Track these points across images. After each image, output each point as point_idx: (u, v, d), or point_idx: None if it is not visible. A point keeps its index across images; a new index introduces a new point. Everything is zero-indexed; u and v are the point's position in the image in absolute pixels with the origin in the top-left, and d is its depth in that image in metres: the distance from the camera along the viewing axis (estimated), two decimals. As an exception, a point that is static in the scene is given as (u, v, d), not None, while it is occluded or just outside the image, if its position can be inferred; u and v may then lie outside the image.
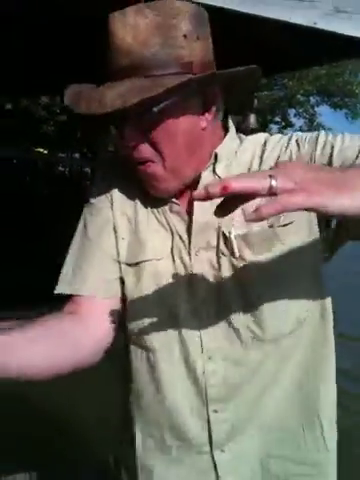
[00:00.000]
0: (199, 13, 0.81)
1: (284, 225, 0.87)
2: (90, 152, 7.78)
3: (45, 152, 9.31)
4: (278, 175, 0.58)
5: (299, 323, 0.92)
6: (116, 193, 0.95)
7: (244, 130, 2.79)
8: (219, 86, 0.85)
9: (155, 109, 0.78)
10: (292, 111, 10.02)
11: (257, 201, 0.64)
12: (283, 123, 10.10)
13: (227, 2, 2.25)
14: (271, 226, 0.87)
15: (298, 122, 12.45)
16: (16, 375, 0.80)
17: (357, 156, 0.81)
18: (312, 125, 10.31)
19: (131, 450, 1.00)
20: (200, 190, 0.59)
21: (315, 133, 0.90)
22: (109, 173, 0.98)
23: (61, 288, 0.94)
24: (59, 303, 0.93)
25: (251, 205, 0.82)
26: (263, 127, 9.75)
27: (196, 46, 0.80)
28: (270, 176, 0.58)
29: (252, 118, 2.76)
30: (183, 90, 0.77)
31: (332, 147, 0.84)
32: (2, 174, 8.91)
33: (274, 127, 10.48)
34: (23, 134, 9.37)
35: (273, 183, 0.58)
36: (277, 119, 9.96)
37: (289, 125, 10.25)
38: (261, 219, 0.57)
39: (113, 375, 1.06)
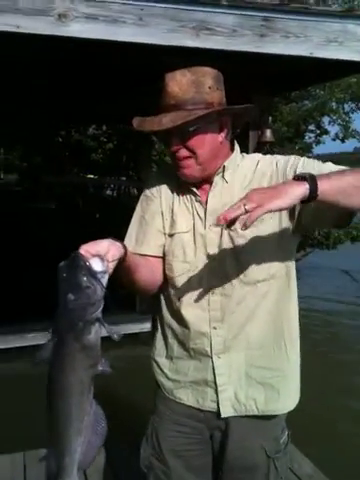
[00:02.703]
0: (217, 74, 1.33)
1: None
2: (135, 175, 8.36)
3: (95, 177, 10.01)
4: (247, 202, 1.07)
5: (270, 275, 1.37)
6: (162, 191, 1.46)
7: (262, 143, 3.32)
8: (228, 116, 1.35)
9: (190, 128, 1.28)
10: (326, 119, 10.15)
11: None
12: (318, 131, 10.24)
13: (249, 47, 2.80)
14: None
15: (333, 129, 12.50)
16: (128, 268, 1.25)
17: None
18: (347, 131, 10.41)
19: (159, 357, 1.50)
20: (217, 220, 1.09)
21: (288, 157, 1.42)
22: (158, 179, 1.50)
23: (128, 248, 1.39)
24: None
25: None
26: (299, 137, 9.96)
27: (215, 94, 1.30)
28: (244, 204, 1.06)
29: (268, 132, 3.21)
30: (207, 118, 1.28)
31: (297, 165, 1.35)
32: (58, 199, 9.72)
33: (311, 135, 10.55)
34: (75, 163, 10.14)
35: (246, 207, 1.06)
36: (312, 128, 10.13)
37: (324, 132, 10.34)
38: (246, 227, 1.06)
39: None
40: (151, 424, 1.53)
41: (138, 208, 1.51)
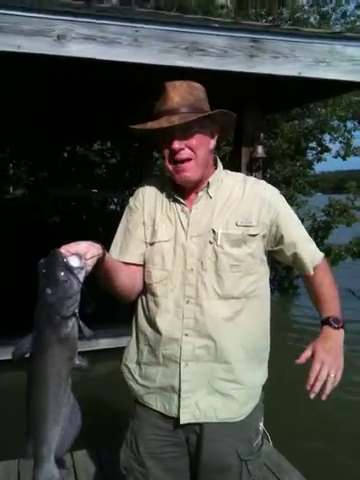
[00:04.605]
0: (204, 88, 1.48)
1: (250, 235, 1.46)
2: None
3: (99, 192, 10.16)
4: (331, 371, 1.38)
5: (244, 294, 1.46)
6: (145, 202, 1.54)
7: (255, 159, 3.43)
8: (217, 126, 1.47)
9: (194, 128, 1.40)
10: (327, 137, 10.26)
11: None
12: (319, 148, 10.34)
13: (240, 67, 2.93)
14: (243, 233, 1.45)
15: (334, 147, 12.64)
16: (108, 271, 1.35)
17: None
18: (349, 149, 10.52)
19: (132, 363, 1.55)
20: (300, 360, 1.39)
21: (280, 201, 1.54)
22: (142, 191, 1.58)
23: (113, 255, 1.49)
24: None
25: (237, 215, 1.48)
26: (300, 154, 10.07)
27: (206, 103, 1.46)
28: (329, 374, 1.36)
29: (260, 149, 3.32)
30: (205, 121, 1.41)
31: (283, 224, 1.49)
32: (63, 213, 9.87)
33: (313, 153, 10.65)
34: (79, 177, 10.30)
35: (332, 375, 1.37)
36: (312, 145, 10.24)
37: (326, 150, 10.44)
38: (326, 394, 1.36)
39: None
40: (131, 427, 1.58)
41: (123, 219, 1.59)
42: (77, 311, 1.12)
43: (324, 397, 1.33)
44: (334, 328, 1.43)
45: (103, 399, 3.71)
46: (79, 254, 1.16)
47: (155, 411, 1.51)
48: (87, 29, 2.68)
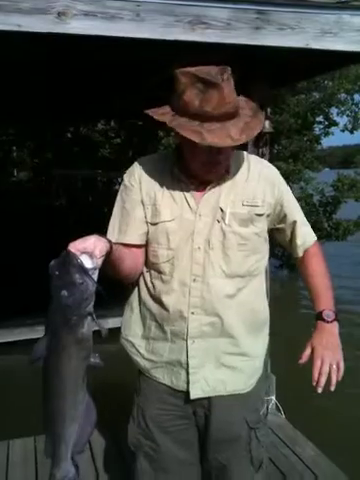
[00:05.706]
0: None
1: (257, 215, 1.48)
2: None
3: (104, 172, 10.10)
4: (333, 362, 1.43)
5: (248, 272, 1.49)
6: (142, 181, 1.51)
7: (262, 134, 3.36)
8: None
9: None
10: (335, 110, 10.11)
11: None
12: (326, 122, 10.19)
13: (245, 40, 2.85)
14: (249, 213, 1.46)
15: (342, 120, 12.46)
16: (114, 260, 1.33)
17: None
18: (357, 122, 10.38)
19: (136, 339, 1.56)
20: (302, 360, 1.48)
21: (282, 181, 1.56)
22: (137, 170, 1.54)
23: (111, 238, 1.43)
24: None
25: (243, 194, 1.49)
26: (307, 129, 9.94)
27: None
28: (332, 365, 1.42)
29: (267, 124, 3.27)
30: None
31: (286, 208, 1.54)
32: (70, 195, 9.84)
33: (320, 127, 10.50)
34: (84, 158, 10.23)
35: (335, 367, 1.42)
36: (320, 119, 10.09)
37: (333, 124, 10.30)
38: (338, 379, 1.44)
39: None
40: (136, 404, 1.59)
41: (119, 198, 1.55)
42: (92, 310, 1.14)
43: (332, 388, 1.40)
44: (327, 322, 1.47)
45: (113, 377, 3.75)
46: (89, 252, 1.16)
47: (161, 385, 1.52)
48: (87, 5, 2.60)
